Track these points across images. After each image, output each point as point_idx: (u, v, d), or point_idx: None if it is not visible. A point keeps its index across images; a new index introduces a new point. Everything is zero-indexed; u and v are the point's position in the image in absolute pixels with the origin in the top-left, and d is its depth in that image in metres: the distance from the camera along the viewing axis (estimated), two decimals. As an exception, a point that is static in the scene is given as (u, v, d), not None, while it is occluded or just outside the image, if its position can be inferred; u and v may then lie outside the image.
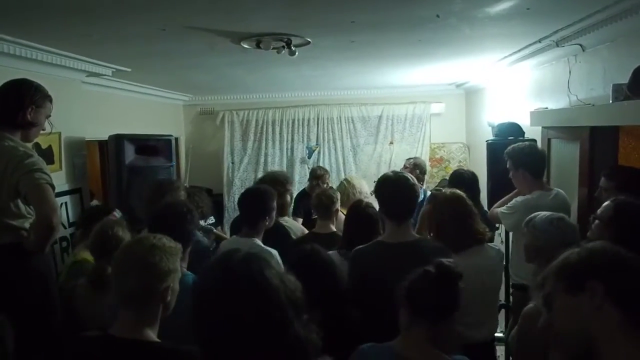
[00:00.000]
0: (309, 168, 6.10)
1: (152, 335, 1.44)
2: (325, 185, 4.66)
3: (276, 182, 3.40)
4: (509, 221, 2.96)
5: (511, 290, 3.25)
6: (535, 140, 3.57)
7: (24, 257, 2.09)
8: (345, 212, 3.79)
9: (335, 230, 3.13)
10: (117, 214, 2.97)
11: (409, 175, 2.29)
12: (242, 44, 3.00)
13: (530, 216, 2.10)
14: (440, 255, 2.07)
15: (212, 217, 3.93)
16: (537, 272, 1.90)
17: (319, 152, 6.28)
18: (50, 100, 2.32)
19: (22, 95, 2.19)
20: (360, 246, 2.25)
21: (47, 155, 3.36)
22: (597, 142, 3.07)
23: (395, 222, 2.21)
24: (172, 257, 1.47)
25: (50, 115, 2.35)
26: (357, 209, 2.74)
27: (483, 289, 2.30)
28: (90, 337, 1.50)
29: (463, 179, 3.53)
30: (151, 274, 1.41)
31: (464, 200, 2.43)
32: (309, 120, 6.28)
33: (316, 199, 3.24)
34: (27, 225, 2.16)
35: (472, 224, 2.38)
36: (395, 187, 2.21)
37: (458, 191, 2.52)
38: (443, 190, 2.66)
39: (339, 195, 3.31)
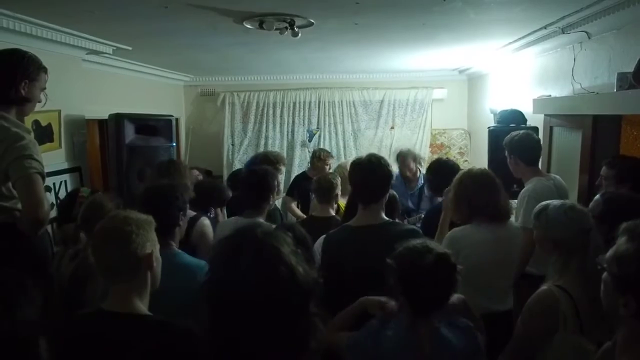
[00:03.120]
0: (309, 152, 6.07)
1: (143, 307, 1.45)
2: (327, 168, 4.68)
3: (268, 161, 3.44)
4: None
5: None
6: (537, 128, 3.56)
7: (19, 237, 2.02)
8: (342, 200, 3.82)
9: (333, 214, 3.13)
10: (84, 192, 2.93)
11: (382, 158, 2.25)
12: (244, 23, 2.97)
13: (539, 207, 1.99)
14: (410, 238, 2.06)
15: None
16: (555, 263, 1.87)
17: (319, 136, 6.25)
18: (45, 71, 2.17)
19: (15, 69, 2.04)
20: (331, 231, 2.26)
21: (47, 133, 3.35)
22: (600, 131, 3.07)
23: (362, 205, 2.21)
24: (147, 225, 1.49)
25: (45, 88, 2.20)
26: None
27: (505, 261, 2.30)
28: (82, 314, 1.50)
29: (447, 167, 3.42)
30: (131, 242, 1.42)
31: (494, 177, 2.43)
32: (310, 104, 6.25)
33: (316, 183, 3.24)
34: (19, 206, 2.06)
35: (501, 199, 2.38)
36: (364, 170, 2.20)
37: (487, 169, 2.53)
38: (471, 168, 2.63)
39: (339, 181, 3.29)
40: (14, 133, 1.98)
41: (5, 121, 2.01)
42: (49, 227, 2.28)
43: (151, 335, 1.38)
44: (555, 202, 1.97)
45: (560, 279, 1.82)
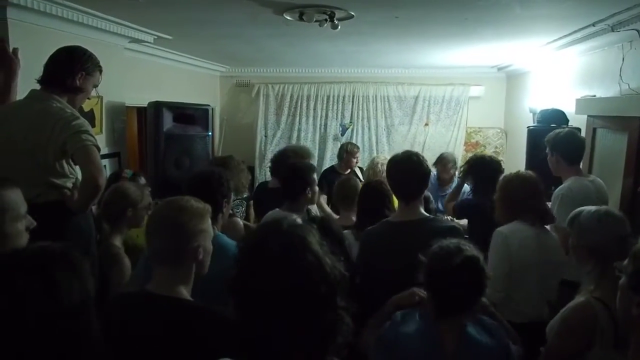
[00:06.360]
0: (341, 145, 6.06)
1: (186, 293, 1.48)
2: (355, 161, 4.65)
3: (297, 155, 3.45)
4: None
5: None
6: (579, 129, 3.45)
7: (67, 214, 2.17)
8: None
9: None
10: (127, 173, 2.96)
11: (420, 155, 2.24)
12: (284, 15, 2.97)
13: (573, 214, 1.92)
14: (449, 234, 1.99)
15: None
16: (591, 272, 1.81)
17: (352, 130, 6.22)
18: (100, 71, 2.37)
19: (74, 60, 2.24)
20: (370, 227, 2.25)
21: (89, 118, 3.43)
22: (647, 134, 2.95)
23: (403, 201, 2.21)
24: (201, 217, 1.51)
25: (97, 85, 2.40)
26: (367, 186, 2.77)
27: (549, 263, 2.27)
28: (128, 293, 1.55)
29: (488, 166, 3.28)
30: (180, 234, 1.46)
31: (539, 180, 2.44)
32: (344, 98, 6.22)
33: (339, 188, 3.13)
34: (69, 184, 2.24)
35: (544, 203, 2.41)
36: (403, 167, 2.20)
37: (531, 172, 2.53)
38: (518, 170, 2.61)
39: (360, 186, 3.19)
40: (69, 113, 2.19)
41: (60, 104, 2.21)
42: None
43: (187, 320, 1.41)
44: (589, 208, 1.90)
45: (597, 289, 1.75)
